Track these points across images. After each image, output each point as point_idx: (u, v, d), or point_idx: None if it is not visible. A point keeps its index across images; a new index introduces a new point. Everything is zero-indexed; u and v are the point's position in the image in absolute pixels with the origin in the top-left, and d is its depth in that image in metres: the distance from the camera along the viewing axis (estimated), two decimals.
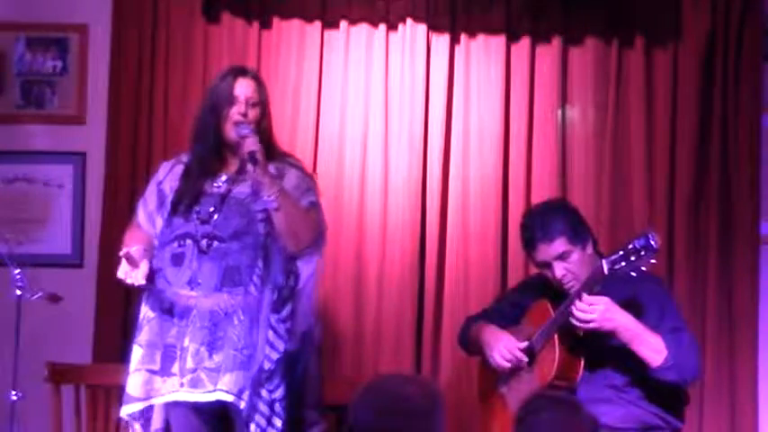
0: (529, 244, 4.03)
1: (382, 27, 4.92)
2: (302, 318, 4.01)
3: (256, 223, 3.94)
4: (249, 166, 3.87)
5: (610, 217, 4.84)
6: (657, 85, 4.91)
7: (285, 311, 3.95)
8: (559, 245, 3.96)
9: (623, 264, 3.75)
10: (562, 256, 3.96)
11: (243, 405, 3.84)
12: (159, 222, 4.05)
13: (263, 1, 4.94)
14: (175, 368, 3.89)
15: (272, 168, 3.97)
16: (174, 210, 3.99)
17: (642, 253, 3.72)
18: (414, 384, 2.78)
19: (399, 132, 4.89)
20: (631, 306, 3.91)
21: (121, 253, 3.92)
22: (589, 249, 4.01)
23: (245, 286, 3.90)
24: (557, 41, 4.91)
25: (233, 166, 4.03)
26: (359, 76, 4.92)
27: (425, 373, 4.78)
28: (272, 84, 4.87)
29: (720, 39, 4.85)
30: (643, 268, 3.74)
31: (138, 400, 3.94)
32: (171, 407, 3.97)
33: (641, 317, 3.89)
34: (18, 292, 4.28)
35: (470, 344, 4.29)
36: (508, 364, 4.07)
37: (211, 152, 4.02)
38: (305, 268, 4.01)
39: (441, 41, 4.92)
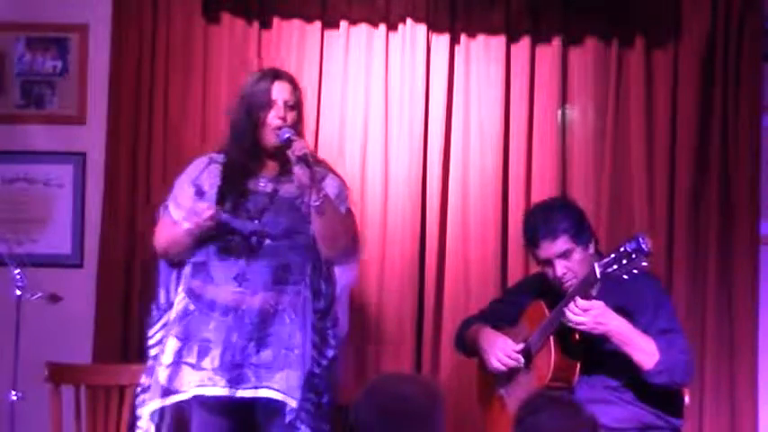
0: (532, 241, 4.03)
1: (382, 27, 4.92)
2: (341, 325, 4.03)
3: (307, 223, 3.94)
4: (298, 169, 3.86)
5: (610, 217, 4.85)
6: (657, 85, 4.91)
7: (331, 318, 3.97)
8: (563, 243, 3.96)
9: (615, 267, 3.76)
10: (564, 255, 3.96)
11: (294, 404, 3.84)
12: (190, 198, 4.03)
13: (263, 1, 4.94)
14: (206, 363, 3.87)
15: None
16: (222, 205, 3.96)
17: (633, 256, 3.72)
18: (414, 384, 2.78)
19: (399, 132, 4.89)
20: (627, 306, 3.92)
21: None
22: (591, 249, 4.01)
23: (297, 285, 3.91)
24: (557, 41, 4.91)
25: (272, 168, 4.03)
26: (359, 76, 4.92)
27: (425, 373, 4.78)
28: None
29: (720, 39, 4.86)
30: (635, 271, 3.75)
31: (169, 392, 3.91)
32: (192, 402, 3.94)
33: (636, 317, 3.91)
34: (18, 292, 4.28)
35: (467, 346, 4.30)
36: (505, 368, 4.07)
37: (249, 155, 4.01)
38: (342, 275, 4.03)
39: (441, 41, 4.92)
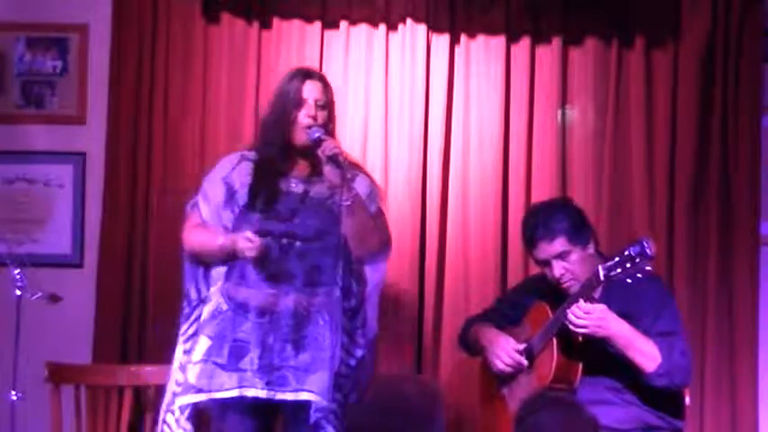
0: (530, 241, 4.04)
1: (382, 27, 4.92)
2: (370, 324, 4.03)
3: (337, 224, 3.93)
4: (329, 168, 3.87)
5: (610, 217, 4.84)
6: (657, 85, 4.91)
7: (360, 318, 3.97)
8: (560, 244, 3.97)
9: (619, 270, 3.77)
10: (561, 256, 3.97)
11: (325, 404, 3.83)
12: (227, 216, 4.02)
13: (263, 1, 4.94)
14: (245, 364, 3.86)
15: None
16: (251, 206, 3.97)
17: (637, 260, 3.73)
18: (414, 385, 2.78)
19: (399, 132, 4.89)
20: (629, 308, 3.92)
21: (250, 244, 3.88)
22: (590, 249, 4.01)
23: (329, 286, 3.91)
24: (557, 41, 4.91)
25: (303, 167, 4.02)
26: (359, 76, 4.92)
27: (425, 373, 4.78)
28: (272, 84, 4.87)
29: (720, 39, 4.85)
30: (638, 275, 3.75)
31: (201, 391, 3.90)
32: (226, 404, 3.92)
33: (638, 318, 3.91)
34: (18, 292, 4.28)
35: (470, 346, 4.30)
36: (509, 369, 4.07)
37: (280, 154, 4.01)
38: (373, 275, 4.02)
39: (441, 41, 4.92)
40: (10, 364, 4.28)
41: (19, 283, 4.28)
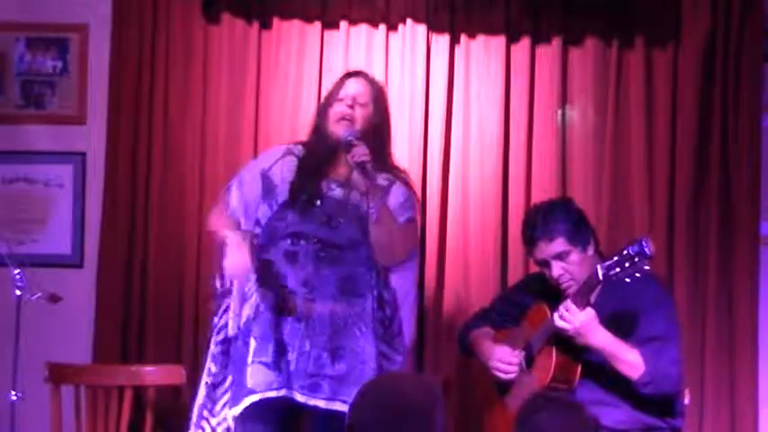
0: (529, 241, 4.05)
1: (382, 27, 4.92)
2: (407, 331, 4.03)
3: (369, 234, 3.92)
4: (356, 175, 3.87)
5: (610, 217, 4.84)
6: (657, 85, 4.91)
7: (396, 326, 3.96)
8: (558, 244, 3.97)
9: (618, 270, 3.78)
10: (560, 256, 3.97)
11: None
12: (263, 209, 4.01)
13: (263, 1, 4.94)
14: (283, 365, 3.86)
15: (382, 179, 3.96)
16: (292, 203, 3.96)
17: (636, 259, 3.74)
18: (414, 383, 2.78)
19: (399, 132, 4.89)
20: (625, 310, 3.93)
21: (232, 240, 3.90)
22: (590, 251, 4.01)
23: (363, 297, 3.91)
24: (557, 41, 4.91)
25: (343, 167, 4.00)
26: None
27: (426, 372, 4.78)
28: (271, 84, 4.89)
29: (720, 39, 4.85)
30: (637, 275, 3.76)
31: (253, 392, 3.88)
32: (267, 403, 3.90)
33: (633, 318, 3.91)
34: (18, 292, 4.28)
35: (469, 351, 4.31)
36: (511, 376, 4.08)
37: (322, 150, 4.01)
38: (400, 282, 4.01)
39: (441, 41, 4.92)
40: (10, 364, 4.28)
41: (19, 283, 4.28)
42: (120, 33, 4.92)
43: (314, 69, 4.91)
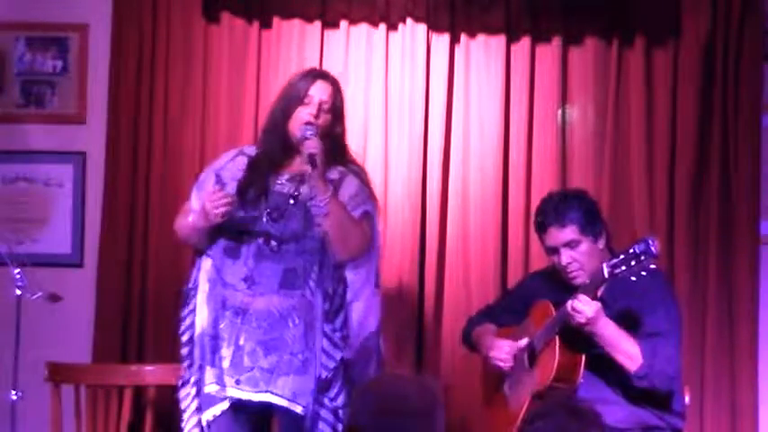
0: (541, 227, 4.07)
1: (382, 27, 4.92)
2: (358, 327, 3.99)
3: (314, 227, 3.92)
4: (306, 167, 3.86)
5: (610, 217, 4.82)
6: (657, 85, 4.91)
7: (339, 320, 3.94)
8: (570, 232, 3.98)
9: (623, 268, 3.80)
10: (570, 244, 3.98)
11: (299, 410, 3.84)
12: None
13: (263, 1, 4.94)
14: (217, 361, 3.88)
15: (335, 173, 3.97)
16: (239, 200, 3.94)
17: (642, 258, 3.76)
18: (413, 384, 2.78)
19: (399, 132, 4.89)
20: (631, 304, 3.94)
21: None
22: (600, 244, 4.02)
23: (301, 290, 3.89)
24: (557, 41, 4.91)
25: (297, 165, 4.00)
26: (359, 76, 4.92)
27: (425, 373, 4.77)
28: (272, 84, 4.88)
29: (720, 39, 4.85)
30: (643, 273, 3.77)
31: (196, 385, 3.94)
32: (210, 400, 3.94)
33: (639, 314, 3.92)
34: (18, 292, 4.28)
35: (473, 346, 4.31)
36: (509, 363, 4.08)
37: (278, 148, 4.00)
38: (354, 278, 3.99)
39: (441, 41, 4.92)
40: (10, 364, 4.28)
41: (19, 283, 4.27)
42: (120, 33, 4.92)
43: None
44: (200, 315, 3.96)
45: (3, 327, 4.42)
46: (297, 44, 4.93)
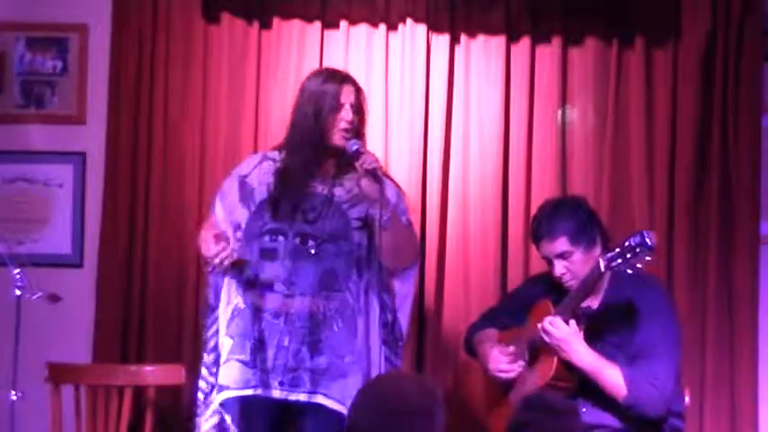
0: (534, 237, 4.09)
1: (382, 27, 4.92)
2: (404, 335, 4.04)
3: (351, 230, 3.93)
4: (367, 182, 3.85)
5: (610, 217, 4.84)
6: (657, 85, 4.91)
7: (397, 330, 3.98)
8: (560, 244, 3.98)
9: (620, 261, 3.80)
10: (563, 255, 3.99)
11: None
12: (243, 213, 4.02)
13: (263, 1, 4.94)
14: (260, 363, 3.88)
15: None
16: (274, 208, 3.95)
17: (638, 250, 3.76)
18: (413, 384, 2.78)
19: (399, 132, 4.89)
20: (624, 319, 3.94)
21: (209, 235, 3.93)
22: (595, 251, 4.01)
23: (342, 293, 3.91)
24: (557, 41, 4.91)
25: (329, 167, 4.01)
26: (359, 76, 4.87)
27: (426, 373, 4.78)
28: (271, 84, 4.89)
29: (720, 39, 4.85)
30: (639, 266, 3.77)
31: (235, 388, 3.92)
32: (244, 401, 3.94)
33: (633, 330, 3.92)
34: (18, 292, 4.28)
35: (474, 354, 4.31)
36: (511, 376, 4.08)
37: (313, 157, 3.99)
38: (402, 287, 4.02)
39: (441, 41, 4.92)
40: (10, 364, 4.28)
41: (19, 283, 4.27)
42: (120, 33, 4.92)
43: None
44: (232, 321, 3.95)
45: (3, 327, 4.42)
46: (297, 44, 4.93)
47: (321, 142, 3.98)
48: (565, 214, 4.02)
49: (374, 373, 3.88)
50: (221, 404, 3.97)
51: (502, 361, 4.10)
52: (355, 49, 4.92)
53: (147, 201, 4.88)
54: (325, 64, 4.89)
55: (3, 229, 4.89)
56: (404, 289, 4.04)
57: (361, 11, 4.92)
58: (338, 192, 3.97)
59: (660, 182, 4.87)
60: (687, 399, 4.13)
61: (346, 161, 3.94)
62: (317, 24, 4.92)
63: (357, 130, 4.00)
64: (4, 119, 4.99)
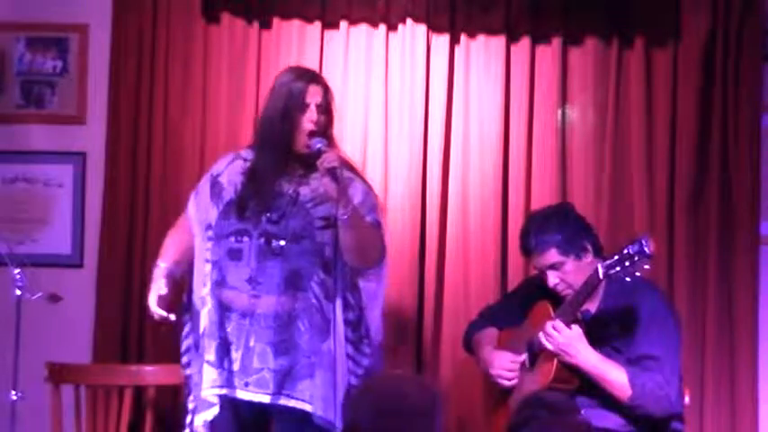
0: (524, 252, 4.12)
1: (382, 27, 4.92)
2: (374, 333, 4.01)
3: (315, 229, 3.92)
4: (326, 181, 3.82)
5: (610, 217, 4.84)
6: (657, 85, 4.91)
7: (363, 328, 3.96)
8: (551, 256, 3.99)
9: (618, 269, 3.80)
10: (554, 267, 4.00)
11: (311, 408, 3.84)
12: (213, 213, 4.01)
13: (263, 1, 4.94)
14: (226, 364, 3.88)
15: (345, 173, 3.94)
16: (241, 208, 3.94)
17: (636, 258, 3.76)
18: (413, 384, 2.78)
19: (399, 132, 4.89)
20: (623, 323, 3.94)
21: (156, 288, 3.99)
22: (587, 258, 4.01)
23: (306, 292, 3.89)
24: (557, 41, 4.91)
25: (295, 167, 3.99)
26: (359, 76, 4.92)
27: (425, 373, 4.78)
28: (271, 84, 4.88)
29: (720, 39, 4.85)
30: (637, 273, 3.77)
31: (204, 388, 3.94)
32: (205, 404, 3.95)
33: (631, 334, 3.92)
34: (18, 292, 4.28)
35: (474, 352, 4.31)
36: (513, 382, 4.08)
37: (281, 158, 3.97)
38: (368, 287, 4.00)
39: (441, 41, 4.92)
40: (10, 364, 4.28)
41: (19, 283, 4.28)
42: (120, 33, 4.93)
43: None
44: (203, 320, 3.97)
45: (3, 327, 4.43)
46: (297, 44, 4.93)
47: (287, 142, 3.97)
48: (552, 225, 4.02)
49: (339, 372, 3.87)
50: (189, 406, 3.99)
51: (504, 367, 4.10)
52: (355, 49, 4.92)
53: (147, 201, 4.88)
54: (326, 64, 4.90)
55: (3, 229, 4.89)
56: (370, 287, 4.00)
57: (361, 11, 4.92)
58: (304, 191, 3.95)
59: (660, 182, 4.87)
60: (687, 399, 4.13)
61: (314, 160, 3.90)
62: (317, 24, 4.92)
63: (324, 130, 3.97)
64: (4, 119, 4.99)
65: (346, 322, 3.93)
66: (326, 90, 4.04)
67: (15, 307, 4.29)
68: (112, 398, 4.50)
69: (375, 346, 4.01)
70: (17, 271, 4.29)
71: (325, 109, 4.00)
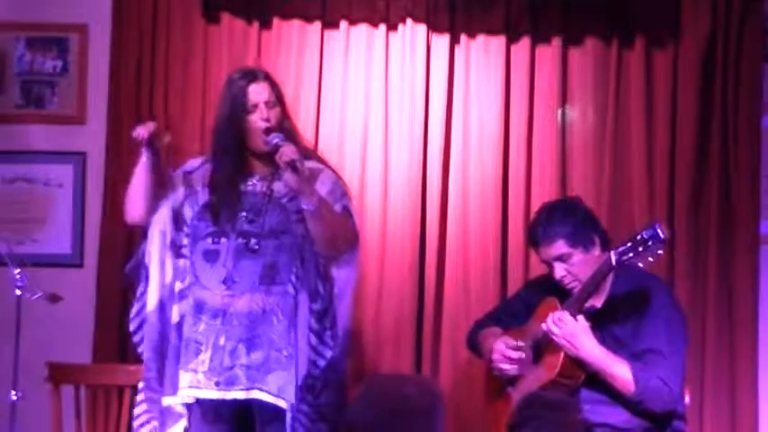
0: (532, 242, 4.09)
1: (382, 27, 4.92)
2: (341, 324, 3.99)
3: (293, 223, 3.91)
4: (288, 174, 3.80)
5: (610, 217, 4.84)
6: (657, 85, 4.91)
7: (329, 318, 3.94)
8: (559, 247, 3.98)
9: (631, 255, 3.80)
10: (561, 258, 3.98)
11: (285, 405, 3.84)
12: (187, 211, 3.99)
13: (263, 1, 4.94)
14: (196, 364, 3.88)
15: (311, 164, 3.92)
16: (214, 213, 3.93)
17: (650, 243, 3.76)
18: (414, 384, 2.78)
19: (399, 132, 4.89)
20: (631, 317, 3.93)
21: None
22: (595, 251, 4.00)
23: (284, 285, 3.89)
24: (557, 41, 4.91)
25: (262, 167, 3.98)
26: (359, 76, 4.92)
27: (425, 373, 4.78)
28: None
29: (720, 39, 4.85)
30: (650, 259, 3.77)
31: (161, 392, 3.95)
32: (197, 405, 3.96)
33: (638, 329, 3.92)
34: (18, 292, 4.28)
35: (478, 351, 4.31)
36: (512, 367, 4.08)
37: (237, 163, 3.96)
38: (340, 274, 3.98)
39: (441, 41, 4.92)
40: (10, 364, 4.28)
41: (19, 283, 4.27)
42: (120, 33, 4.93)
43: (314, 69, 4.91)
44: (174, 315, 3.97)
45: (3, 327, 4.42)
46: (297, 44, 4.93)
47: (240, 145, 3.95)
48: (561, 217, 4.02)
49: (301, 363, 3.86)
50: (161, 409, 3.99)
51: (506, 353, 4.09)
52: (355, 49, 4.93)
53: None
54: (326, 64, 4.91)
55: (3, 229, 4.89)
56: (342, 274, 3.98)
57: (361, 11, 4.92)
58: (277, 187, 3.93)
59: (660, 182, 4.87)
60: (687, 398, 4.13)
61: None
62: (317, 24, 4.93)
63: (279, 124, 3.94)
64: (4, 119, 4.99)
65: (312, 312, 3.91)
66: (272, 84, 4.00)
67: (15, 307, 4.28)
68: (112, 398, 4.50)
69: (339, 338, 3.98)
70: (17, 271, 4.28)
71: (275, 103, 3.97)
